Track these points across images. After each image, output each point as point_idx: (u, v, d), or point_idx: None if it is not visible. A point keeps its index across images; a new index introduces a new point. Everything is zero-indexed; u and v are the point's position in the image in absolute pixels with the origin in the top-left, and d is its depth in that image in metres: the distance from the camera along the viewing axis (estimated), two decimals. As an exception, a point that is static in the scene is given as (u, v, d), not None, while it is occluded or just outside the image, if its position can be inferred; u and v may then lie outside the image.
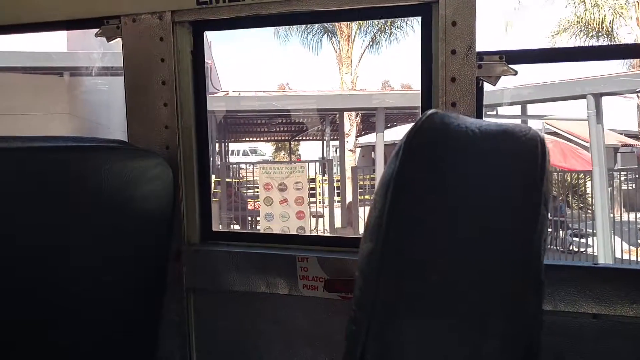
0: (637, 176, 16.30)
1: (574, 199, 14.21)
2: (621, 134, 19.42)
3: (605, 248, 9.86)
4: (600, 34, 17.87)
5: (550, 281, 1.62)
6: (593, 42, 17.79)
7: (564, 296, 1.61)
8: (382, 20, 20.59)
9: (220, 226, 11.82)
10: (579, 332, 1.62)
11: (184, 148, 1.98)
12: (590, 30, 18.00)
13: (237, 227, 12.71)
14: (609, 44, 15.45)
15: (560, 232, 12.61)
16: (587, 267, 1.65)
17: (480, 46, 1.69)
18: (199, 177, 2.02)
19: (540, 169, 0.73)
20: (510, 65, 1.68)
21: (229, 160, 20.77)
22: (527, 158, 0.75)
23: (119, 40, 1.99)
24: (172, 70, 1.93)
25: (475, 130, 0.78)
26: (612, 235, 10.58)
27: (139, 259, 1.77)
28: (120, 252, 1.68)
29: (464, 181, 0.75)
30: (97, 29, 1.99)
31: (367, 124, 18.72)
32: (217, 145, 17.25)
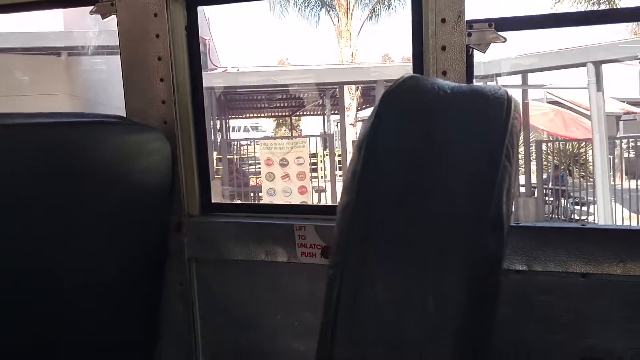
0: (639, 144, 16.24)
1: (576, 168, 14.22)
2: (623, 101, 19.29)
3: (606, 215, 9.92)
4: (602, 1, 17.63)
5: (540, 242, 1.67)
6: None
7: (553, 257, 1.66)
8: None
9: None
10: (568, 291, 1.67)
11: (181, 122, 2.01)
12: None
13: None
14: (604, 8, 15.26)
15: (562, 200, 12.66)
16: (576, 228, 1.69)
17: (470, 14, 1.71)
18: (197, 150, 2.06)
19: (504, 125, 0.78)
20: (501, 33, 1.70)
21: (229, 137, 20.78)
22: (492, 115, 0.80)
23: (114, 18, 2.01)
24: (167, 45, 1.95)
25: (446, 90, 0.83)
26: (614, 203, 10.63)
27: (140, 230, 1.83)
28: (121, 225, 1.73)
29: (431, 137, 0.80)
30: (92, 7, 2.01)
31: (368, 97, 18.67)
32: (218, 122, 17.24)
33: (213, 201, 2.12)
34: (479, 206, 0.74)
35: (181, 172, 2.01)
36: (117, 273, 1.76)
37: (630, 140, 14.58)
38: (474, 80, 1.79)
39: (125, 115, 2.01)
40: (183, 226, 2.03)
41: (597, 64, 9.93)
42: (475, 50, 1.72)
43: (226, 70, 15.09)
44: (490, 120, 0.80)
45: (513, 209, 0.84)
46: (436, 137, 0.80)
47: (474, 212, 0.74)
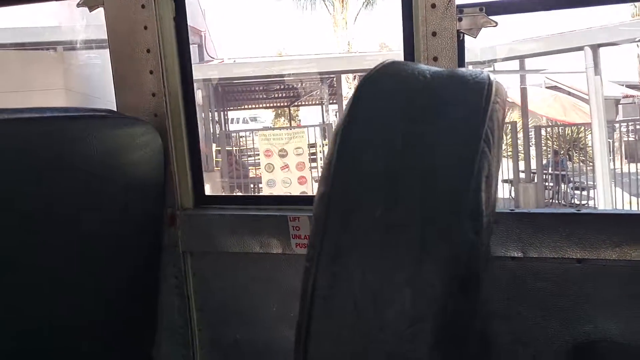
0: (639, 127, 16.19)
1: (576, 153, 14.20)
2: (622, 85, 19.20)
3: (606, 199, 9.91)
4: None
5: (535, 229, 1.65)
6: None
7: (548, 243, 1.64)
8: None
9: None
10: (564, 277, 1.66)
11: (172, 115, 1.99)
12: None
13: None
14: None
15: (562, 185, 12.64)
16: (570, 213, 1.68)
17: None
18: (188, 143, 2.05)
19: (484, 110, 0.76)
20: (492, 17, 1.68)
21: (228, 129, 20.71)
22: (470, 99, 0.78)
23: (101, 10, 1.99)
24: (156, 37, 1.93)
25: (426, 75, 0.81)
26: (614, 187, 10.61)
27: (134, 224, 1.82)
28: (113, 219, 1.72)
29: (408, 124, 0.78)
30: None
31: (366, 86, 18.53)
32: (216, 113, 17.19)
33: (207, 193, 2.11)
34: (456, 194, 0.72)
35: (173, 165, 2.00)
36: (111, 268, 1.75)
37: (630, 123, 14.55)
38: (466, 66, 1.77)
39: (116, 109, 1.99)
40: (177, 219, 2.02)
41: (595, 48, 9.88)
42: (467, 36, 1.70)
43: (222, 61, 15.02)
44: (468, 105, 0.78)
45: (496, 196, 0.83)
46: (413, 123, 0.78)
47: (451, 201, 0.72)
